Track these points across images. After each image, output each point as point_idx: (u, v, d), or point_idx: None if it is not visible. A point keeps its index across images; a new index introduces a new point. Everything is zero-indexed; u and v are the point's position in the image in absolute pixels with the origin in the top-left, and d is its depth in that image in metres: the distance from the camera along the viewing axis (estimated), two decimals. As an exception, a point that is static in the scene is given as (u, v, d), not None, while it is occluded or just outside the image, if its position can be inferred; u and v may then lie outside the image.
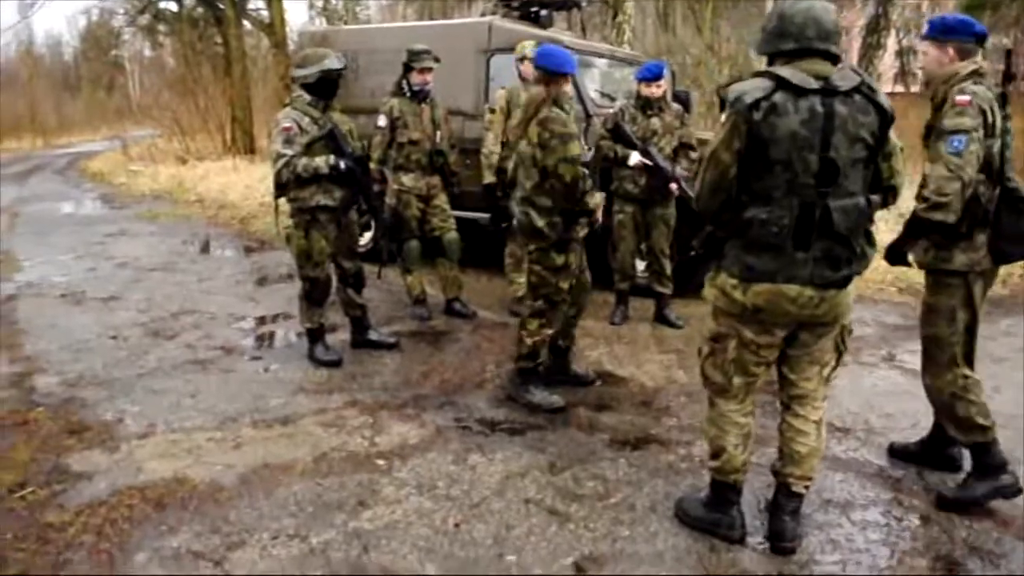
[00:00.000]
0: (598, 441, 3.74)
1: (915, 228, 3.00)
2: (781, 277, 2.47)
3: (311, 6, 16.23)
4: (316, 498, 3.18)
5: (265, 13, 20.88)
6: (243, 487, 3.28)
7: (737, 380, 2.71)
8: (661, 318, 5.66)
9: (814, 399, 2.75)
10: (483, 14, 7.82)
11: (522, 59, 5.40)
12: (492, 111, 5.65)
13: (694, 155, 5.38)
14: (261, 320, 5.81)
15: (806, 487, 2.81)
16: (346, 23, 19.12)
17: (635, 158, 5.27)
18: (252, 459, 3.53)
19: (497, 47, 6.81)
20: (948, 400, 3.13)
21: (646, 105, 5.36)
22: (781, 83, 2.38)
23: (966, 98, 2.85)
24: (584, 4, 8.33)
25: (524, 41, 5.60)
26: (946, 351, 3.10)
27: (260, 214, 10.54)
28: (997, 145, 2.94)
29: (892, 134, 2.53)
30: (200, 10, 23.29)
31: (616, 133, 5.36)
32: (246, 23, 20.56)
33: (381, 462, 3.50)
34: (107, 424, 3.92)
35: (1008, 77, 3.01)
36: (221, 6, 19.89)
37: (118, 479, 3.34)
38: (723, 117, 2.48)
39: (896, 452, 3.58)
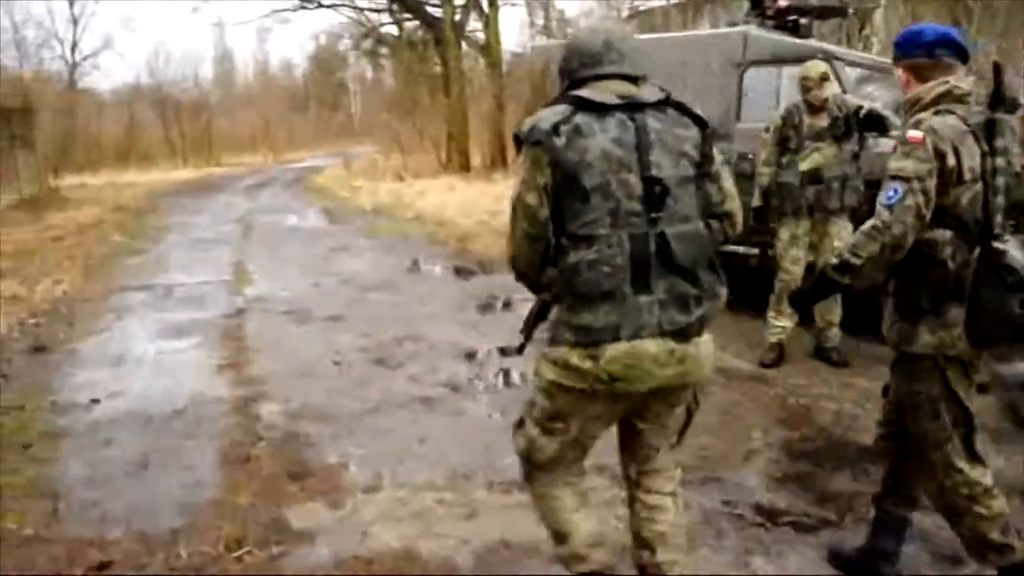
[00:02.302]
0: (921, 550, 2.89)
1: (822, 285, 2.57)
2: (627, 331, 2.01)
3: (531, 24, 15.96)
4: (569, 600, 2.58)
5: (481, 35, 21.21)
6: (480, 570, 2.76)
7: (571, 454, 2.27)
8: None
9: (667, 469, 2.32)
10: (732, 24, 7.07)
11: (814, 80, 4.75)
12: (767, 130, 4.97)
13: None
14: (487, 353, 5.35)
15: (678, 570, 2.31)
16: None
17: None
18: (488, 533, 3.00)
19: (753, 59, 6.06)
20: (951, 511, 2.51)
21: None
22: (580, 103, 2.06)
23: (918, 135, 2.28)
24: (851, 12, 7.36)
25: (814, 62, 4.87)
26: (938, 450, 2.46)
27: (481, 233, 10.26)
28: (972, 193, 2.29)
29: (718, 151, 2.18)
30: (420, 33, 24.08)
31: None
32: (463, 44, 20.92)
33: (643, 555, 2.85)
34: (331, 470, 3.56)
35: (998, 99, 2.33)
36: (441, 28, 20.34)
37: (342, 545, 2.93)
38: (519, 158, 2.13)
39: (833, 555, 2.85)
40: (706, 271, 2.10)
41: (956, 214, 2.31)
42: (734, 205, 2.21)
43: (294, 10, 20.56)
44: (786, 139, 4.84)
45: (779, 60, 5.95)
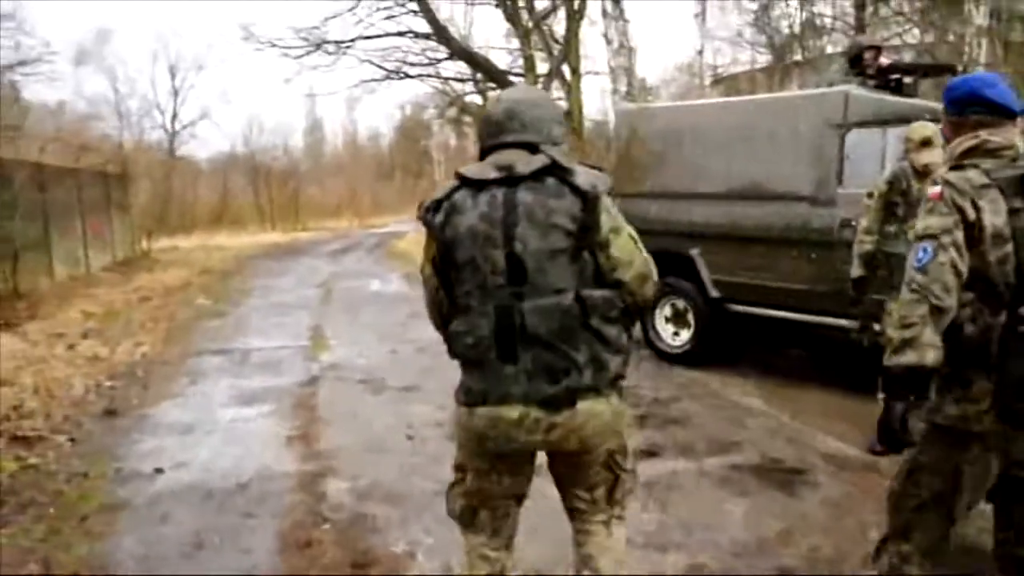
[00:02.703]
0: None
1: (891, 384, 2.17)
2: (494, 396, 2.13)
3: (614, 91, 15.85)
4: None
5: (563, 103, 21.31)
6: None
7: (483, 513, 2.34)
8: None
9: (596, 510, 2.33)
10: (829, 84, 6.71)
11: (913, 143, 4.36)
12: (870, 195, 4.58)
13: None
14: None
15: None
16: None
17: None
18: (571, 647, 2.63)
19: (855, 120, 5.68)
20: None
21: None
22: (464, 180, 2.18)
23: (936, 190, 2.17)
24: (960, 69, 6.93)
25: (919, 124, 4.48)
26: (898, 513, 2.35)
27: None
28: (1001, 253, 2.10)
29: (609, 218, 2.14)
30: (504, 101, 24.38)
31: None
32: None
33: None
34: (396, 559, 3.27)
35: None
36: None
37: (405, 651, 2.60)
38: None
39: None
40: (578, 343, 2.10)
41: (984, 275, 2.14)
42: (627, 274, 2.15)
43: (380, 80, 21.06)
44: (893, 205, 4.41)
45: (883, 121, 5.55)
